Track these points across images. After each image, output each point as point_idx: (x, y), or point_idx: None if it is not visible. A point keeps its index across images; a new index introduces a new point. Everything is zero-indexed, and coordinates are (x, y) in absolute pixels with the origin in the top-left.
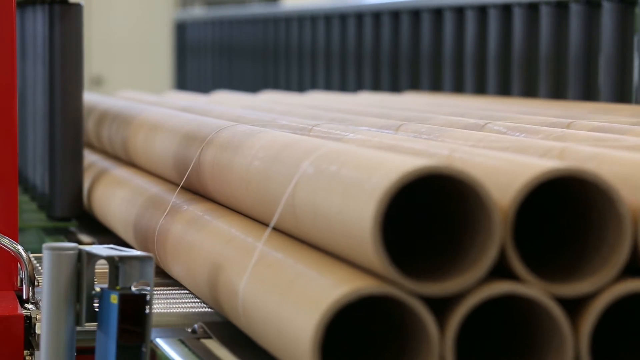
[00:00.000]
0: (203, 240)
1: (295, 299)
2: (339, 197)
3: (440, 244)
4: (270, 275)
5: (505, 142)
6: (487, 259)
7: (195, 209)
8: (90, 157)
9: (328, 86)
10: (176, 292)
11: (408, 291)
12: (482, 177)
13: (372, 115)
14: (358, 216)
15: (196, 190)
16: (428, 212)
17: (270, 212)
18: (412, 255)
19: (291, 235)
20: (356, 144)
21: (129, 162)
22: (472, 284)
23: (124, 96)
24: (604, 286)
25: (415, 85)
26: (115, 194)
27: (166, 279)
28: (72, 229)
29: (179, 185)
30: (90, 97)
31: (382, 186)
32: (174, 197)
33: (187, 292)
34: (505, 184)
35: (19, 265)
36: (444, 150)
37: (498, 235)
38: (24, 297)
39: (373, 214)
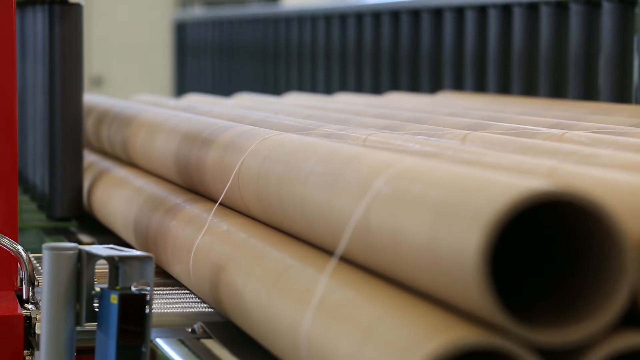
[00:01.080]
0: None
1: (376, 351)
2: (429, 223)
3: (546, 280)
4: (341, 318)
5: (602, 157)
6: (616, 301)
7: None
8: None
9: (328, 86)
10: (176, 292)
11: (520, 341)
12: (606, 201)
13: (424, 122)
14: (456, 247)
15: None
16: (529, 240)
17: (332, 236)
18: (510, 294)
19: (358, 263)
20: (428, 157)
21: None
22: (597, 333)
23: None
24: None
25: (415, 85)
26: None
27: (166, 279)
28: (72, 229)
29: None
30: (144, 99)
31: (492, 212)
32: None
33: (187, 292)
34: (634, 210)
35: (19, 265)
36: (541, 166)
37: (631, 272)
38: (24, 297)
39: (479, 245)
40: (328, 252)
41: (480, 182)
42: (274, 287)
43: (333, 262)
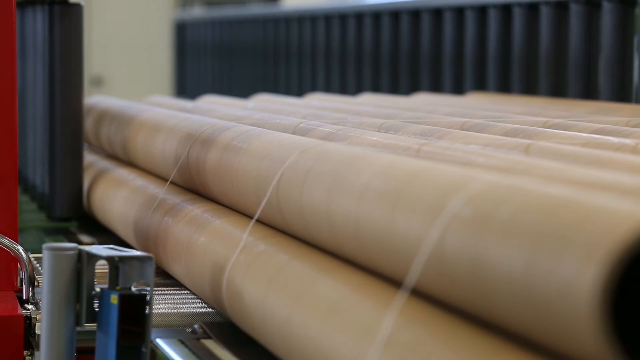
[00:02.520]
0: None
1: None
2: (525, 253)
3: None
4: None
5: None
6: None
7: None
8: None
9: (328, 86)
10: (176, 292)
11: None
12: None
13: (470, 128)
14: (565, 281)
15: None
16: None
17: (393, 261)
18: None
19: (425, 294)
20: (501, 172)
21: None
22: None
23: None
24: None
25: (415, 85)
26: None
27: (166, 279)
28: (72, 229)
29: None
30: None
31: (613, 242)
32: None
33: (187, 292)
34: None
35: (19, 265)
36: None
37: None
38: (24, 298)
39: (598, 279)
40: (383, 276)
41: (587, 207)
42: (327, 321)
43: (402, 295)
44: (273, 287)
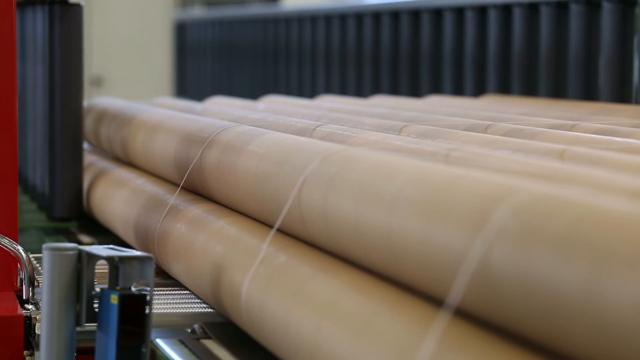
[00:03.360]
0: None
1: None
2: (584, 272)
3: None
4: None
5: None
6: None
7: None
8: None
9: (328, 87)
10: (176, 292)
11: None
12: None
13: (497, 132)
14: (636, 305)
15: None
16: None
17: (429, 274)
18: None
19: (464, 311)
20: (543, 180)
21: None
22: None
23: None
24: None
25: (415, 85)
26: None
27: (166, 279)
28: (72, 229)
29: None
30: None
31: None
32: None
33: (187, 292)
34: None
35: (18, 265)
36: None
37: None
38: (24, 298)
39: None
40: (417, 291)
41: None
42: (359, 340)
43: (445, 316)
44: (297, 301)
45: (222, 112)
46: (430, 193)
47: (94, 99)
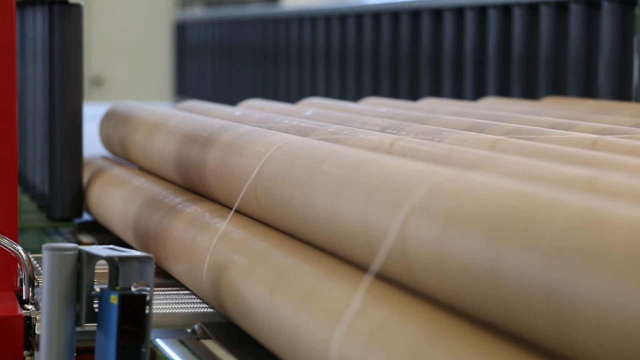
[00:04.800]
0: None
1: None
2: (608, 280)
3: None
4: None
5: None
6: None
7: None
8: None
9: (328, 87)
10: (176, 292)
11: None
12: None
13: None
14: None
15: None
16: None
17: (477, 300)
18: None
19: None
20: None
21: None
22: None
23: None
24: None
25: (414, 85)
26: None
27: (166, 279)
28: (72, 229)
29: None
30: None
31: None
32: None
33: (188, 292)
34: None
35: (18, 265)
36: None
37: None
38: (24, 298)
39: None
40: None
41: None
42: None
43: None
44: (304, 306)
45: (268, 119)
46: (491, 212)
47: (118, 103)
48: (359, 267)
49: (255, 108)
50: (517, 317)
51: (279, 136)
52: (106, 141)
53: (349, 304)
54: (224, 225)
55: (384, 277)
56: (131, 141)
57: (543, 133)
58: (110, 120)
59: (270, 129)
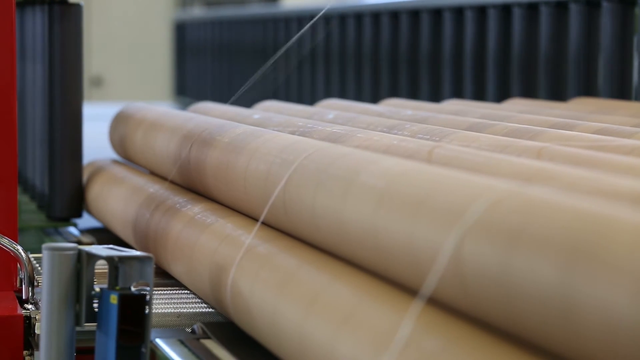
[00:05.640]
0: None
1: None
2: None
3: None
4: None
5: None
6: None
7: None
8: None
9: (327, 87)
10: (176, 292)
11: None
12: None
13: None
14: None
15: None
16: None
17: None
18: None
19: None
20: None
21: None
22: None
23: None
24: None
25: (414, 86)
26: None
27: (166, 279)
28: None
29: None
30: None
31: None
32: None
33: (187, 292)
34: None
35: (18, 265)
36: None
37: None
38: (24, 297)
39: None
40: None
41: None
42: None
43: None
44: (344, 330)
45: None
46: (512, 219)
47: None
48: (402, 287)
49: (272, 110)
50: (597, 356)
51: (309, 142)
52: (119, 146)
53: (393, 330)
54: (250, 238)
55: (433, 301)
56: (155, 148)
57: (592, 140)
58: (127, 123)
59: (292, 133)
